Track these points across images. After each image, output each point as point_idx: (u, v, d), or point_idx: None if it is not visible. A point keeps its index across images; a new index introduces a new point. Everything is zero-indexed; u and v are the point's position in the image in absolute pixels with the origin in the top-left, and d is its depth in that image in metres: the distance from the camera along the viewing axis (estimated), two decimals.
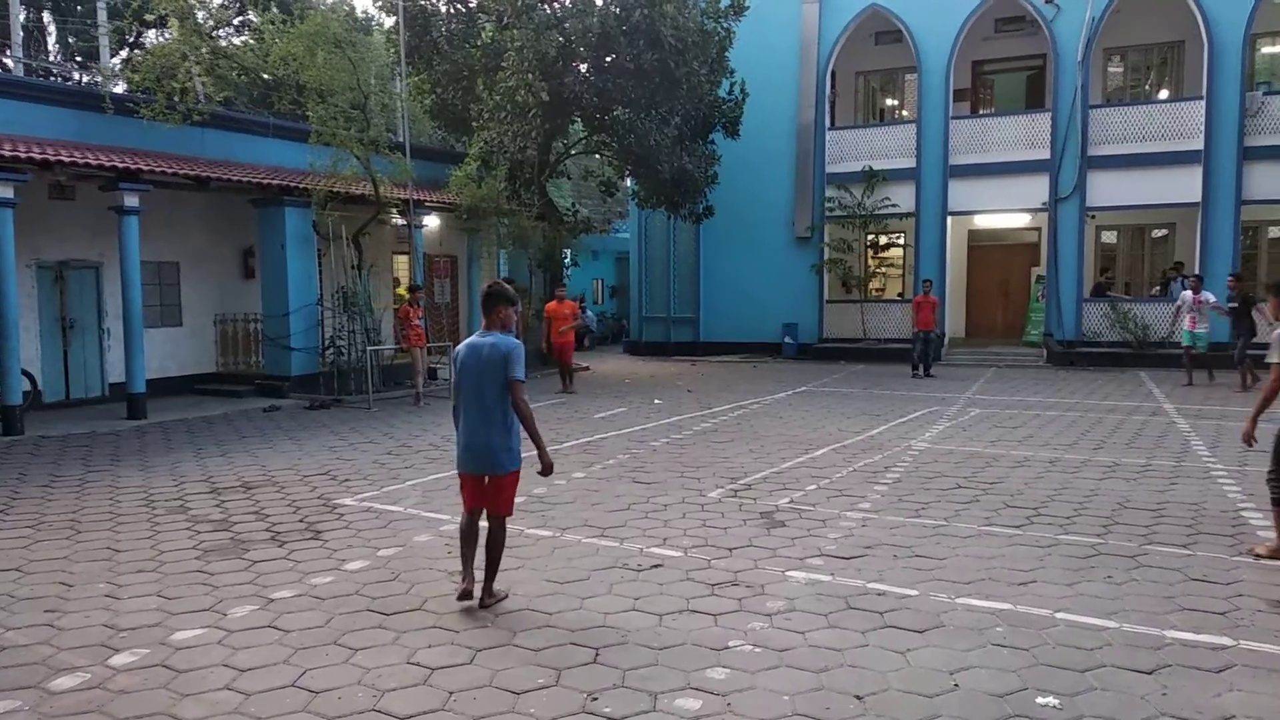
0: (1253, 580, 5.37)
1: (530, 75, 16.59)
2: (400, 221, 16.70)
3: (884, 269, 22.72)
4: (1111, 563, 5.73)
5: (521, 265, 20.84)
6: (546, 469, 5.09)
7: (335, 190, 14.85)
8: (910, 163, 21.10)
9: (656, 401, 14.17)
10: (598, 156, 22.12)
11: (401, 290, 17.96)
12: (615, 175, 21.67)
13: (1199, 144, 18.79)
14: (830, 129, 22.27)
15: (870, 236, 22.09)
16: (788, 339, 21.97)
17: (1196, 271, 18.01)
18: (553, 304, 15.90)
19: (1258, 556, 5.75)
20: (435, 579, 5.59)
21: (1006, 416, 12.11)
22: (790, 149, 22.09)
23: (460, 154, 18.43)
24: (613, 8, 17.40)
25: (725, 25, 19.15)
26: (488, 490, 5.12)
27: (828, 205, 21.77)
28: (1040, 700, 3.86)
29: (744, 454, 9.67)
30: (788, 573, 5.63)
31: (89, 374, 14.46)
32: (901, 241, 22.81)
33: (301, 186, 14.74)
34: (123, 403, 13.06)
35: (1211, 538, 6.25)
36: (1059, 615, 4.83)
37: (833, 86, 22.72)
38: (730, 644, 4.51)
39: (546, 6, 17.14)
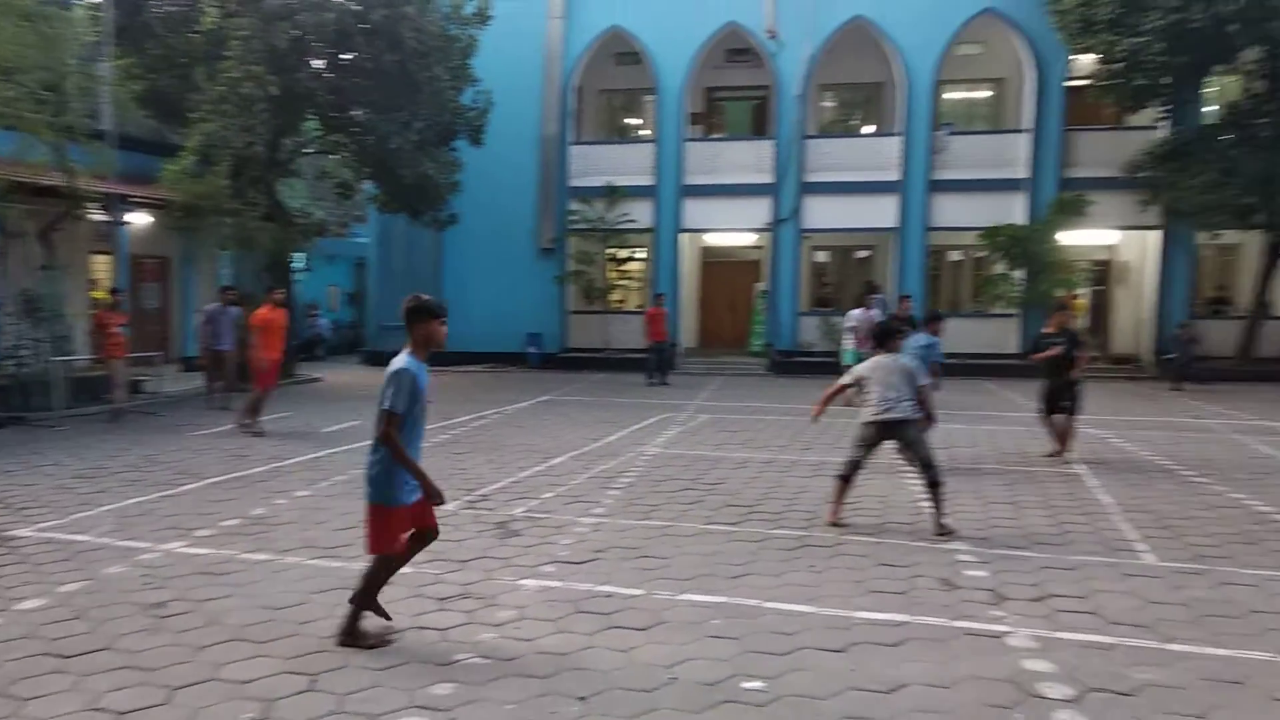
0: (927, 562, 6.07)
1: (257, 67, 15.55)
2: (101, 218, 15.01)
3: (624, 281, 23.50)
4: (815, 553, 6.27)
5: (247, 269, 19.43)
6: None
7: (20, 180, 13.08)
8: (649, 180, 21.99)
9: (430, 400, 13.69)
10: (334, 157, 21.09)
11: (99, 294, 16.14)
12: (353, 177, 20.78)
13: (897, 175, 21.08)
14: (574, 143, 22.73)
15: (611, 250, 22.75)
16: (532, 349, 22.11)
17: (887, 292, 20.19)
18: (264, 311, 11.71)
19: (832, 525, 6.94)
20: (128, 614, 5.05)
21: (732, 421, 12.90)
22: (535, 161, 22.30)
23: (176, 146, 16.90)
24: (351, 4, 16.72)
25: (469, 33, 18.98)
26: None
27: (571, 218, 22.18)
28: (747, 685, 4.14)
29: (483, 464, 9.59)
30: (520, 581, 5.64)
31: None
32: (641, 255, 23.70)
33: None
34: None
35: (896, 525, 7.00)
36: (767, 604, 5.20)
37: (577, 101, 23.21)
38: (457, 658, 4.45)
39: None
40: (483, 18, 19.14)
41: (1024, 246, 19.47)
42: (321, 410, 14.15)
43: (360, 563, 5.98)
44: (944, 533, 6.63)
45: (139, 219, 16.45)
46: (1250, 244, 20.12)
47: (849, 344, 14.72)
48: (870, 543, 6.53)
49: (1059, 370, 9.67)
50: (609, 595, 5.37)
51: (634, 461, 9.73)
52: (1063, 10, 18.36)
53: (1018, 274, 19.97)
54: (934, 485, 6.73)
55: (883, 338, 7.18)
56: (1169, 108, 19.34)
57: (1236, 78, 19.32)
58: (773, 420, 13.08)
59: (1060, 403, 9.74)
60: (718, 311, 24.21)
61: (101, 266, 16.86)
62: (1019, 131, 21.02)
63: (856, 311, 15.06)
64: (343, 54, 17.34)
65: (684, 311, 22.41)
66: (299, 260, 22.88)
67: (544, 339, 22.19)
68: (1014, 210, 20.37)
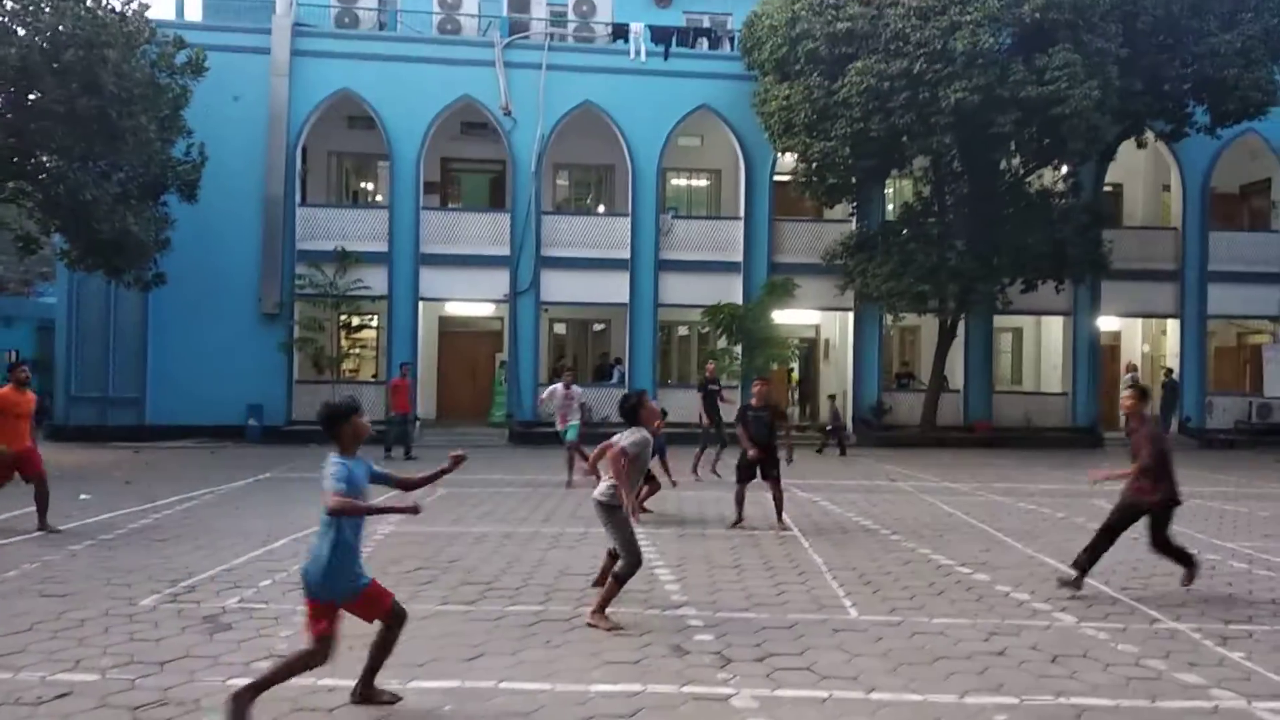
0: (660, 629, 6.25)
1: None
2: None
3: (357, 350, 22.59)
4: (551, 628, 6.25)
5: None
6: None
7: None
8: (383, 247, 21.48)
9: (83, 497, 12.10)
10: (15, 206, 18.64)
11: None
12: (38, 230, 18.46)
13: (627, 254, 22.12)
14: (301, 205, 21.78)
15: (343, 317, 21.85)
16: (252, 421, 20.52)
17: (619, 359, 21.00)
18: (7, 390, 9.67)
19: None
20: None
21: (469, 495, 12.66)
22: (258, 221, 21.06)
23: None
24: (39, 40, 15.09)
25: (181, 82, 17.75)
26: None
27: (298, 283, 21.09)
28: None
29: (189, 552, 8.70)
30: (229, 681, 5.12)
31: None
32: (375, 323, 22.95)
33: None
34: None
35: (632, 594, 7.16)
36: (502, 685, 5.10)
37: (304, 162, 22.31)
38: None
39: None
40: (197, 69, 17.98)
41: (741, 324, 21.05)
42: None
43: (32, 670, 5.19)
44: (602, 625, 6.24)
45: None
46: (928, 325, 23.08)
47: (574, 418, 13.90)
48: (607, 612, 6.61)
49: (766, 441, 10.17)
50: (331, 689, 5.01)
51: (364, 541, 9.23)
52: (767, 112, 20.36)
53: (737, 349, 21.51)
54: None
55: (630, 414, 6.74)
56: (856, 204, 22.02)
57: (910, 181, 22.39)
58: (512, 493, 13.00)
59: (768, 471, 10.20)
60: (457, 382, 23.88)
61: None
62: (734, 219, 22.88)
63: (556, 386, 14.21)
64: (28, 94, 15.56)
65: (422, 382, 21.88)
66: None
67: (266, 410, 20.67)
68: (732, 290, 22.02)
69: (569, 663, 5.51)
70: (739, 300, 21.72)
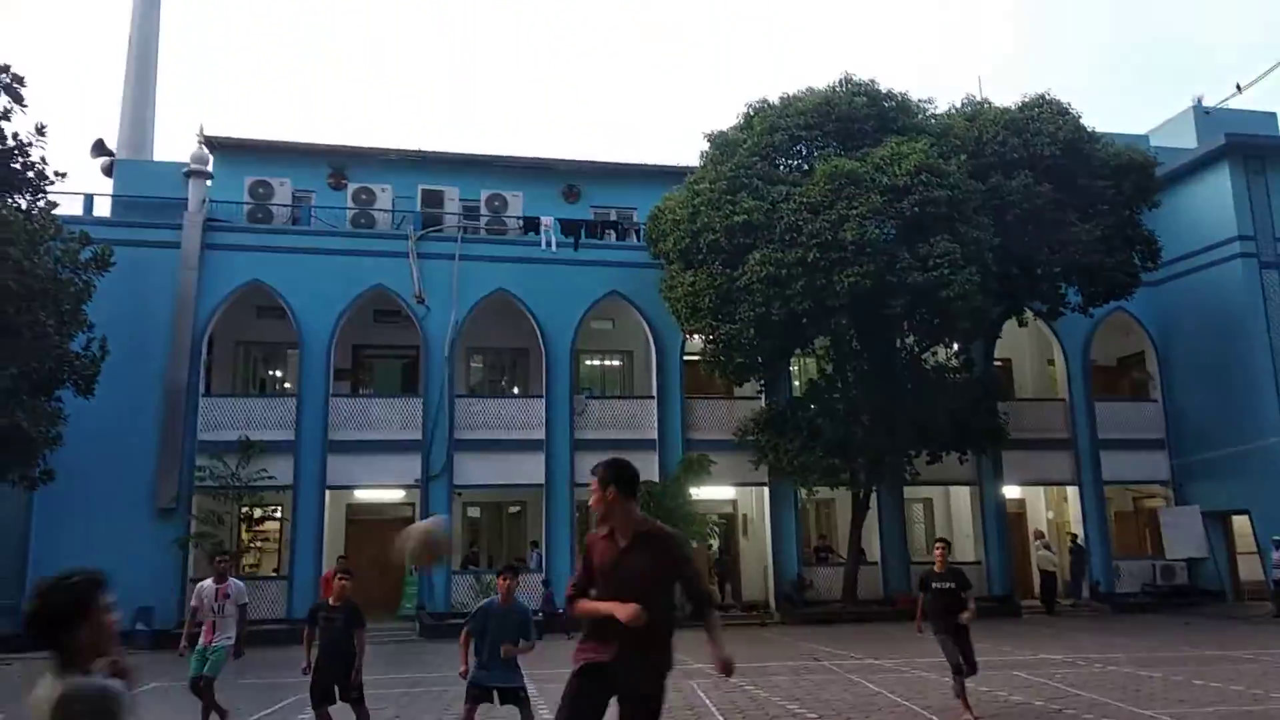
0: None
1: None
2: None
3: (259, 543, 21.58)
4: None
5: None
6: None
7: None
8: (289, 435, 21.03)
9: None
10: None
11: None
12: None
13: (542, 434, 22.15)
14: (205, 395, 21.33)
15: (245, 509, 20.99)
16: (141, 625, 19.04)
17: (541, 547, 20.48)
18: None
19: None
20: None
21: (379, 696, 11.86)
22: (157, 413, 20.47)
23: None
24: None
25: (85, 278, 17.60)
26: None
27: (198, 475, 20.33)
28: None
29: None
30: None
31: None
32: (279, 514, 22.08)
33: None
34: None
35: None
36: None
37: (210, 353, 22.03)
38: None
39: None
40: (102, 264, 17.89)
41: (659, 502, 20.98)
42: None
43: None
44: None
45: None
46: (843, 498, 23.43)
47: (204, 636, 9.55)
48: None
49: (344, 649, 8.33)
50: None
51: None
52: (674, 298, 21.20)
53: None
54: None
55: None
56: (765, 382, 22.73)
57: (814, 359, 23.32)
58: (420, 692, 12.25)
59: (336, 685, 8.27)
60: (365, 573, 22.80)
61: None
62: (647, 398, 23.31)
63: (206, 583, 9.76)
64: None
65: (324, 571, 20.86)
66: None
67: (157, 613, 19.26)
68: (648, 468, 22.06)
69: None
70: (655, 478, 21.77)
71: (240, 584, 10.09)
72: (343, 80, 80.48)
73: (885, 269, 18.77)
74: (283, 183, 23.37)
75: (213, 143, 24.15)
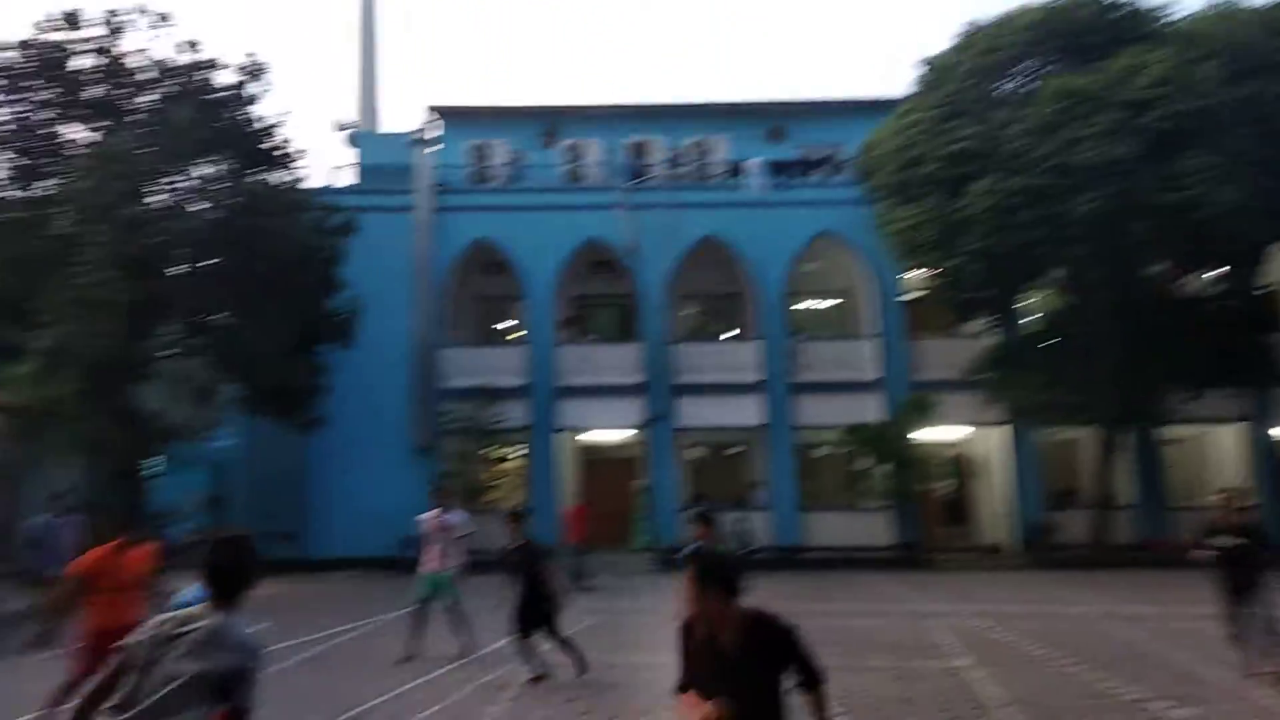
0: None
1: (113, 273, 15.16)
2: None
3: (502, 481, 23.17)
4: None
5: (99, 477, 18.07)
6: None
7: None
8: (523, 381, 22.28)
9: (257, 627, 12.59)
10: (196, 359, 20.39)
11: None
12: (214, 380, 20.07)
13: (759, 377, 22.18)
14: (447, 347, 22.95)
15: (488, 450, 22.56)
16: (410, 552, 21.03)
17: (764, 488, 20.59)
18: (102, 552, 6.70)
19: None
20: None
21: (620, 623, 12.52)
22: (406, 364, 22.28)
23: (19, 350, 16.00)
24: (216, 214, 16.82)
25: (334, 243, 19.33)
26: None
27: (445, 419, 22.02)
28: None
29: (355, 680, 8.88)
30: None
31: None
32: (518, 454, 23.56)
33: None
34: None
35: None
36: None
37: (448, 307, 23.65)
38: None
39: (136, 206, 16.01)
40: (348, 229, 19.58)
41: (882, 443, 20.54)
42: None
43: None
44: None
45: None
46: (1088, 439, 21.79)
47: (429, 563, 10.39)
48: None
49: (534, 585, 8.81)
50: None
51: (519, 672, 9.23)
52: (891, 234, 20.40)
53: (880, 469, 20.91)
54: None
55: None
56: (995, 317, 21.45)
57: (1050, 291, 21.73)
58: (665, 620, 12.76)
59: (537, 618, 8.86)
60: (599, 510, 24.02)
61: None
62: (866, 338, 22.73)
63: (428, 515, 10.54)
64: (207, 260, 17.24)
65: (562, 510, 22.11)
66: (154, 466, 21.50)
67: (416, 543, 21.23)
68: (871, 409, 21.61)
69: None
70: (879, 419, 21.28)
71: (462, 516, 10.74)
72: (550, 40, 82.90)
73: (1127, 191, 17.12)
74: (501, 143, 24.55)
75: (436, 111, 25.70)
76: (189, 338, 18.94)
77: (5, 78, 17.94)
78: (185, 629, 2.92)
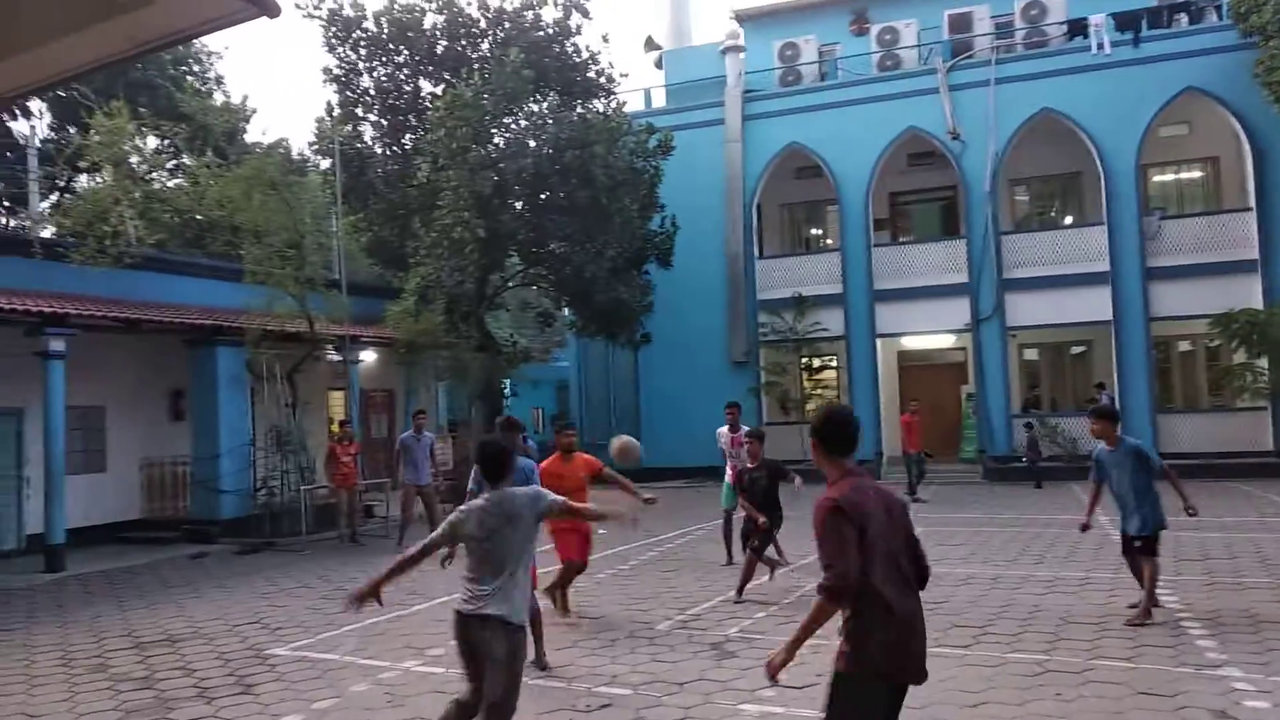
0: (1196, 690, 5.41)
1: (466, 213, 17.00)
2: (336, 358, 16.62)
3: (819, 390, 23.19)
4: (1060, 679, 5.74)
5: (461, 397, 20.77)
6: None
7: (269, 329, 14.78)
8: (837, 288, 21.90)
9: (600, 531, 13.94)
10: (535, 288, 22.53)
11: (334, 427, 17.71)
12: (552, 306, 22.07)
13: (1105, 266, 19.91)
14: (759, 258, 23.11)
15: (804, 360, 22.62)
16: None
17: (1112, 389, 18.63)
18: (552, 460, 8.15)
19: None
20: None
21: (948, 534, 12.22)
22: (722, 278, 22.78)
23: (397, 289, 18.60)
24: (545, 149, 18.10)
25: (654, 164, 20.01)
26: None
27: (761, 330, 22.35)
28: None
29: (691, 582, 9.54)
30: (740, 705, 5.51)
31: (3, 525, 13.75)
32: (834, 364, 23.39)
33: (235, 326, 14.65)
34: (40, 555, 12.41)
35: (1154, 649, 6.32)
36: None
37: (759, 218, 23.70)
38: None
39: (481, 149, 17.73)
40: (665, 149, 20.16)
41: (1265, 332, 17.69)
42: None
43: (580, 683, 6.06)
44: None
45: (368, 357, 18.07)
46: None
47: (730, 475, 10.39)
48: (1125, 668, 5.91)
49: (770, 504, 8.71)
50: None
51: None
52: (1276, 81, 17.10)
53: (1261, 363, 18.12)
54: None
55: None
56: None
57: None
58: (994, 532, 12.29)
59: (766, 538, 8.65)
60: (922, 418, 23.31)
61: (337, 401, 18.53)
62: (1243, 210, 19.47)
63: (723, 430, 10.96)
64: (540, 194, 18.68)
65: (884, 419, 21.74)
66: (507, 386, 24.24)
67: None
68: (1248, 294, 18.64)
69: (1085, 719, 5.01)
70: (1258, 304, 18.33)
71: (725, 432, 10.94)
72: None
73: None
74: (808, 40, 23.69)
75: (742, 17, 25.35)
76: (529, 268, 20.86)
77: (370, 45, 20.51)
78: (487, 500, 4.32)
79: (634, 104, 23.81)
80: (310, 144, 20.61)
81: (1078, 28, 20.98)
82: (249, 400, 15.49)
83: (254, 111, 31.16)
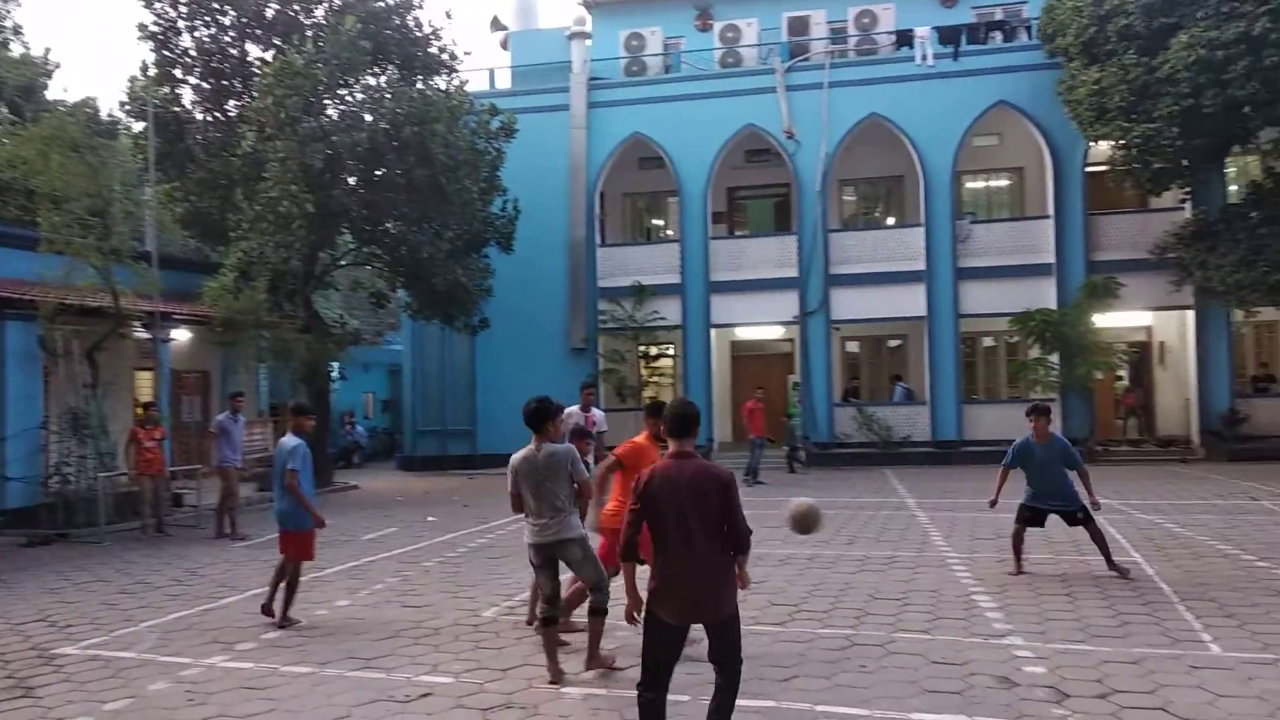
0: (984, 658, 5.86)
1: (294, 186, 16.14)
2: (144, 335, 15.44)
3: (656, 378, 23.59)
4: (865, 652, 6.08)
5: (284, 380, 19.79)
6: None
7: (67, 302, 13.54)
8: (676, 279, 22.32)
9: (430, 519, 13.69)
10: (368, 268, 21.70)
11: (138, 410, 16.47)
12: (387, 287, 21.33)
13: (922, 265, 21.24)
14: (601, 246, 23.22)
15: (642, 348, 22.94)
16: None
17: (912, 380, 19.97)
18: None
19: None
20: None
21: (769, 516, 12.67)
22: (564, 264, 22.75)
23: (216, 264, 17.48)
24: (382, 124, 17.44)
25: (496, 146, 19.68)
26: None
27: (601, 318, 22.48)
28: None
29: (521, 569, 9.46)
30: (563, 690, 5.52)
31: None
32: (671, 352, 23.85)
33: (26, 298, 13.35)
34: None
35: (949, 622, 6.79)
36: (819, 709, 5.03)
37: (602, 206, 23.80)
38: None
39: (313, 120, 16.88)
40: (508, 132, 19.86)
41: (1057, 330, 19.38)
42: (359, 518, 14.15)
43: (399, 672, 5.91)
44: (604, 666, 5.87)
45: (180, 335, 16.92)
46: None
47: None
48: (922, 639, 6.33)
49: None
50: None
51: None
52: (1075, 100, 18.71)
53: (1053, 358, 19.83)
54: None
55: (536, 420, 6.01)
56: (1189, 189, 19.52)
57: (1256, 157, 19.48)
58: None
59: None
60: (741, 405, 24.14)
61: (145, 382, 17.23)
62: (1042, 218, 21.20)
63: (574, 409, 10.44)
64: (375, 170, 18.01)
65: (716, 406, 22.37)
66: (334, 370, 23.26)
67: None
68: (1044, 295, 20.36)
69: (886, 689, 5.33)
70: (1052, 305, 20.04)
71: (601, 413, 11.11)
72: None
73: None
74: (654, 31, 23.94)
75: (589, 3, 25.27)
76: (362, 247, 20.07)
77: (192, 2, 19.06)
78: (534, 451, 5.87)
79: (478, 84, 23.35)
80: (122, 104, 18.92)
81: (905, 38, 22.19)
82: (42, 380, 14.18)
83: (57, 66, 28.41)
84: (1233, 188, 20.47)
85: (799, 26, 23.20)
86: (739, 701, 5.15)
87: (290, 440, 7.40)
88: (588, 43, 23.94)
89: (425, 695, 5.49)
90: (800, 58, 22.69)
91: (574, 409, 10.82)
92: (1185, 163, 18.27)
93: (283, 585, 7.31)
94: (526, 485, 5.85)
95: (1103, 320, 19.88)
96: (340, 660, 6.27)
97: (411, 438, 23.87)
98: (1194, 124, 16.78)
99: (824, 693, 5.29)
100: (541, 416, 5.94)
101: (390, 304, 22.70)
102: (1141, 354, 22.60)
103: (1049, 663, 5.71)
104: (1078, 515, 8.27)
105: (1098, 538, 8.22)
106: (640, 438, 6.63)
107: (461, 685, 5.65)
